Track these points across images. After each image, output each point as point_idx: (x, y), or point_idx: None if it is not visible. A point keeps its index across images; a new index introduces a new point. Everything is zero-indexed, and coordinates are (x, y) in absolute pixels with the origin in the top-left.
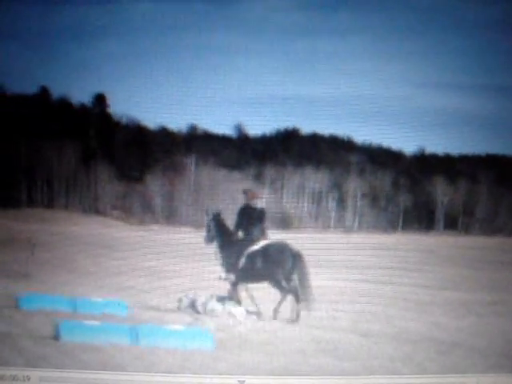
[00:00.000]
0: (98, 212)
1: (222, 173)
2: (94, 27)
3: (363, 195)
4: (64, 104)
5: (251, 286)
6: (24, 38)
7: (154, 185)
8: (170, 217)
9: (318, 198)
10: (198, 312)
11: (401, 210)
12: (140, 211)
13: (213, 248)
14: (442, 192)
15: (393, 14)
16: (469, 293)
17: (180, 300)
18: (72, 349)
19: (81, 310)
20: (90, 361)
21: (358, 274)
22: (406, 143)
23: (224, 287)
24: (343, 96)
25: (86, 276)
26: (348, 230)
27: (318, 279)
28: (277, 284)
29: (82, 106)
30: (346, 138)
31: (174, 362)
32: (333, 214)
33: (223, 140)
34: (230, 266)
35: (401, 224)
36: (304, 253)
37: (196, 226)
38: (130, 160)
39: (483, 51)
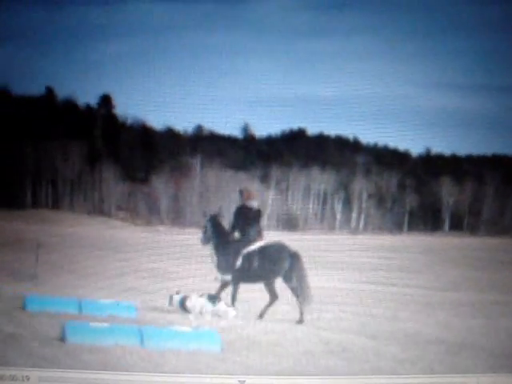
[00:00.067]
0: (103, 213)
1: (227, 174)
2: (99, 28)
3: (369, 196)
4: (69, 105)
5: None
6: (29, 40)
7: (160, 186)
8: (176, 218)
9: (323, 199)
10: (186, 311)
11: (407, 210)
12: (145, 212)
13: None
14: (447, 193)
15: (400, 14)
16: (475, 293)
17: (170, 298)
18: (76, 350)
19: (87, 312)
20: (91, 361)
21: (364, 275)
22: (412, 144)
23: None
24: (349, 97)
25: (91, 277)
26: (354, 231)
27: (323, 280)
28: (271, 286)
29: (88, 107)
30: (352, 139)
31: (179, 363)
32: (339, 215)
33: (229, 141)
34: (225, 266)
35: (407, 225)
36: (309, 254)
37: (201, 227)
38: (135, 161)
39: (494, 51)
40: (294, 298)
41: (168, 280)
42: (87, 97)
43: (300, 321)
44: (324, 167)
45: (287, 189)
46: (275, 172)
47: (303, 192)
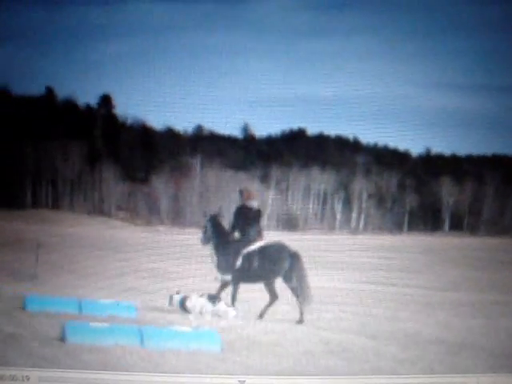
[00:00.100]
0: (103, 213)
1: (227, 174)
2: (100, 28)
3: (369, 196)
4: (69, 105)
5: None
6: (30, 40)
7: (160, 186)
8: (176, 218)
9: (323, 199)
10: (186, 311)
11: (407, 210)
12: (145, 212)
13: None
14: (447, 193)
15: (402, 14)
16: (475, 293)
17: (170, 298)
18: (76, 350)
19: (87, 312)
20: (90, 361)
21: (364, 275)
22: (412, 144)
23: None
24: (349, 97)
25: (91, 277)
26: (354, 231)
27: (323, 280)
28: (271, 286)
29: (88, 107)
30: (352, 139)
31: (179, 363)
32: (339, 215)
33: (229, 141)
34: (225, 266)
35: (407, 225)
36: (310, 254)
37: (201, 227)
38: (135, 161)
39: (494, 51)
40: (294, 298)
41: (168, 280)
42: (87, 97)
43: (300, 321)
44: (324, 167)
45: (287, 189)
46: (275, 172)
47: (303, 192)
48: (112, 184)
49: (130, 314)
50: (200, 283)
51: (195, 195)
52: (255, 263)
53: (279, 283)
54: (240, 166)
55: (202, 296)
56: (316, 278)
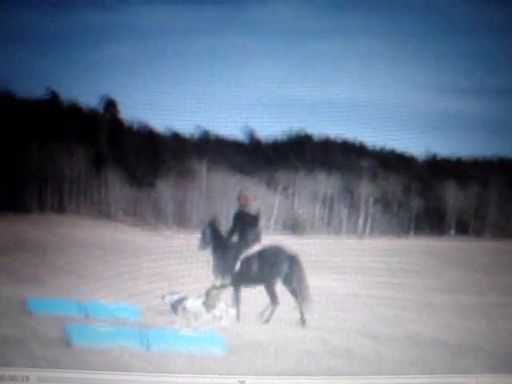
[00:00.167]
0: (108, 217)
1: (233, 178)
2: (104, 31)
3: (375, 200)
4: (74, 109)
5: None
6: (33, 42)
7: (166, 190)
8: (182, 222)
9: (329, 203)
10: (178, 314)
11: (412, 214)
12: (151, 216)
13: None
14: (453, 197)
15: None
16: (480, 296)
17: (163, 297)
18: (79, 352)
19: (91, 314)
20: (91, 362)
21: (369, 278)
22: (417, 148)
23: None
24: (355, 100)
25: (97, 281)
26: (360, 234)
27: (328, 283)
28: (271, 289)
29: (93, 111)
30: (357, 143)
31: (178, 363)
32: (345, 219)
33: (235, 145)
34: (224, 270)
35: (413, 229)
36: (315, 258)
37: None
38: (141, 165)
39: (499, 53)
40: (294, 299)
41: (174, 284)
42: (93, 101)
43: (301, 321)
44: (330, 172)
45: (293, 193)
46: (281, 176)
47: (309, 196)
48: (118, 188)
49: (135, 317)
50: (206, 286)
51: (201, 199)
52: (254, 267)
53: (279, 286)
54: (246, 170)
55: (199, 297)
56: (320, 281)
